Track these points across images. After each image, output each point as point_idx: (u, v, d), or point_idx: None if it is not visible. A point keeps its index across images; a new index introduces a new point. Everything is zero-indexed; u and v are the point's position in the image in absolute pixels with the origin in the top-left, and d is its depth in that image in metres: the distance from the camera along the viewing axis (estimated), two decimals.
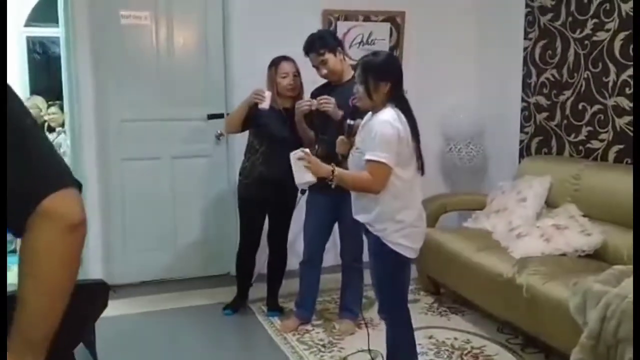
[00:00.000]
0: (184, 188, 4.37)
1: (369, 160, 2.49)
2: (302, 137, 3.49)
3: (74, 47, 4.03)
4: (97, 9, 4.01)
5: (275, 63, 3.57)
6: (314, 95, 3.48)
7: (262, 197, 3.62)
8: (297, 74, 3.56)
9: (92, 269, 4.10)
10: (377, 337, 3.47)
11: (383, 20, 4.63)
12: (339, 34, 4.27)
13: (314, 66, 3.38)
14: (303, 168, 2.61)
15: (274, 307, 3.83)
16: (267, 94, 3.47)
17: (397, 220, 2.55)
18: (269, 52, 4.21)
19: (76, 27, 3.98)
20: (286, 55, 3.57)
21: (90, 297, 2.08)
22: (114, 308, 3.55)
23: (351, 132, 2.76)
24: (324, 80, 3.49)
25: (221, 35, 4.33)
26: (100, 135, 4.11)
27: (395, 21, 4.66)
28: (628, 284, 2.48)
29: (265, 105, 3.46)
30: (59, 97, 5.45)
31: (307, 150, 2.68)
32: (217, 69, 4.35)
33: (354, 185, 2.63)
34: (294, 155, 2.66)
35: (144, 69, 4.20)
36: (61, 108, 6.04)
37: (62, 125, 6.13)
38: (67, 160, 4.51)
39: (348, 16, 4.49)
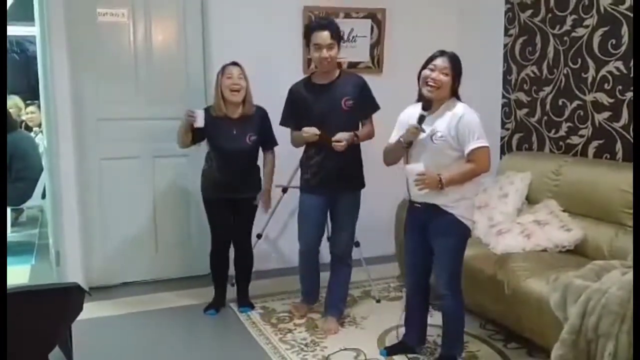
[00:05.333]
0: (164, 187, 4.32)
1: (476, 148, 2.74)
2: (296, 143, 3.54)
3: (49, 45, 3.95)
4: (74, 6, 3.94)
5: (222, 67, 3.60)
6: (296, 94, 3.47)
7: (223, 197, 3.66)
8: (242, 77, 3.56)
9: (71, 270, 4.03)
10: (361, 335, 3.47)
11: (364, 17, 4.62)
12: None
13: (316, 44, 3.30)
14: (412, 184, 2.78)
15: (244, 304, 3.85)
16: (199, 112, 3.51)
17: (467, 197, 2.86)
18: (249, 48, 4.19)
19: (52, 24, 3.90)
20: (234, 62, 3.61)
21: (65, 301, 2.06)
22: (93, 310, 3.53)
23: (422, 122, 2.81)
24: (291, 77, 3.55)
25: (200, 32, 4.29)
26: (77, 135, 4.04)
27: (376, 18, 4.64)
28: (608, 278, 2.50)
29: (199, 123, 3.51)
30: (37, 96, 5.37)
31: (423, 169, 2.77)
32: (197, 67, 4.30)
33: (464, 179, 2.81)
34: (412, 170, 2.78)
35: (121, 67, 4.14)
36: (39, 107, 5.97)
37: (40, 125, 6.06)
38: (44, 159, 4.45)
39: (329, 13, 4.46)
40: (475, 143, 2.75)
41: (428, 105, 2.81)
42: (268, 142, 3.71)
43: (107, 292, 4.07)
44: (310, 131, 3.32)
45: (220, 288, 3.88)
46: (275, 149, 3.75)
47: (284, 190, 4.17)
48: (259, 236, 4.22)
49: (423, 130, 2.78)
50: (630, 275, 2.41)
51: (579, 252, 3.36)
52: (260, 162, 3.75)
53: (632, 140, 3.57)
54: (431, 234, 2.91)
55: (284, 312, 3.80)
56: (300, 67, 4.36)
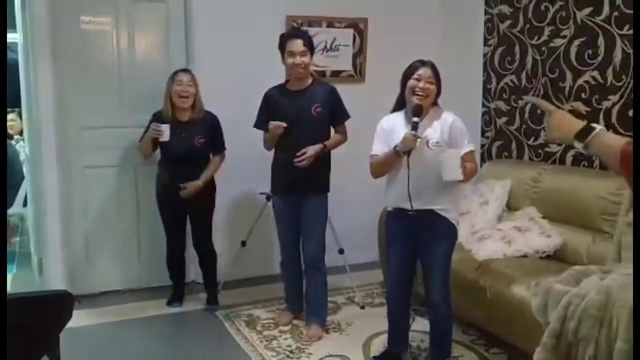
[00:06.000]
0: (147, 195, 4.30)
1: (468, 152, 2.88)
2: (267, 145, 3.61)
3: (32, 52, 3.94)
4: (57, 14, 3.93)
5: (173, 73, 3.76)
6: (270, 98, 3.57)
7: (174, 200, 3.78)
8: (191, 84, 3.70)
9: (54, 279, 4.01)
10: (346, 341, 3.50)
11: (346, 27, 4.67)
12: None
13: (289, 51, 3.42)
14: (453, 166, 2.74)
15: (213, 302, 3.99)
16: (164, 127, 3.66)
17: (458, 202, 3.04)
18: (232, 57, 4.22)
19: (35, 32, 3.89)
20: (185, 68, 3.80)
21: (55, 308, 2.05)
22: (78, 319, 3.48)
23: (417, 129, 2.83)
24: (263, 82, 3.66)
25: (183, 40, 4.30)
26: (60, 143, 4.02)
27: (358, 27, 4.70)
28: (586, 283, 2.55)
29: (165, 137, 3.67)
30: (17, 103, 5.33)
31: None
32: None
33: (469, 178, 2.90)
34: (448, 154, 2.76)
35: (105, 75, 4.13)
36: (20, 115, 5.92)
37: (21, 133, 6.01)
38: (25, 167, 4.42)
39: (312, 22, 4.51)
40: (467, 147, 2.90)
41: (419, 111, 2.85)
42: (217, 146, 3.86)
43: (90, 301, 4.03)
44: (276, 123, 3.42)
45: (179, 284, 4.07)
46: (260, 156, 3.76)
47: (268, 197, 4.18)
48: (243, 243, 4.24)
49: (419, 137, 2.83)
50: (607, 281, 2.46)
51: (558, 258, 3.43)
52: None
53: None
54: (425, 240, 2.94)
55: (269, 319, 3.81)
56: (282, 75, 4.38)
